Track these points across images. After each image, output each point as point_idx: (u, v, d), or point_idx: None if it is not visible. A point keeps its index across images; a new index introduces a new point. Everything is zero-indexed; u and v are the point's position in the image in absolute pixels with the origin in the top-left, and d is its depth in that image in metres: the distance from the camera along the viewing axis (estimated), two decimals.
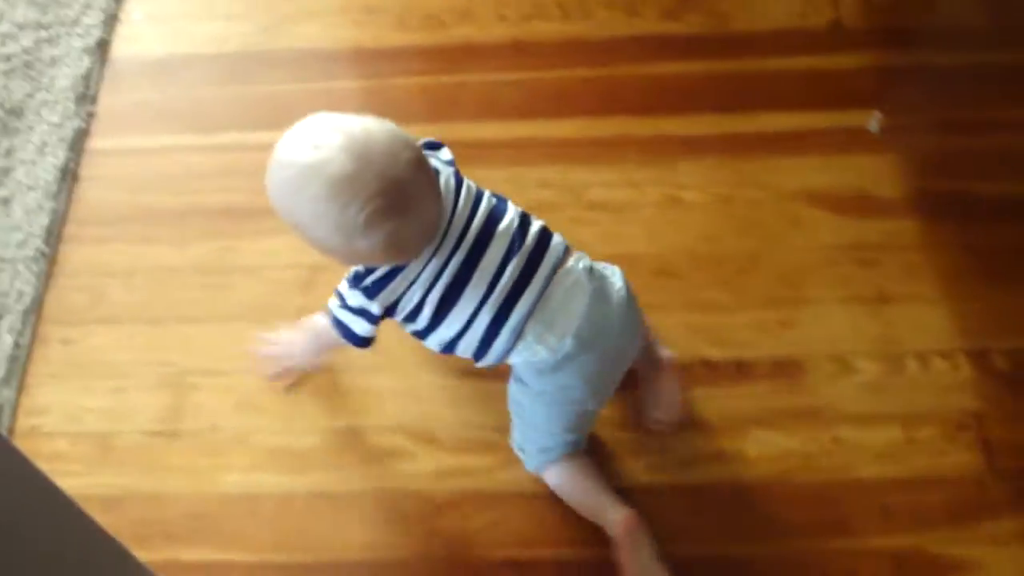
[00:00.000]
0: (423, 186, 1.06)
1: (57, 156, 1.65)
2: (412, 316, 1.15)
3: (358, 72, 1.72)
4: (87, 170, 1.66)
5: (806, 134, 1.58)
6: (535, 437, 1.26)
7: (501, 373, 1.28)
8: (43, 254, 1.57)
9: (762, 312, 1.44)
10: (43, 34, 1.81)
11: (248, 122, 1.67)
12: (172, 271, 1.54)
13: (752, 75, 1.67)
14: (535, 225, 1.18)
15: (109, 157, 1.67)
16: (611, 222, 1.52)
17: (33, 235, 1.58)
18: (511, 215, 1.16)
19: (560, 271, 1.16)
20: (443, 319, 1.15)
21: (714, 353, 1.41)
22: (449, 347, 1.19)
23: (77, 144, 1.68)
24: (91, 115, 1.71)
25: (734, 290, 1.46)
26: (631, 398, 1.37)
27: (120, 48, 1.81)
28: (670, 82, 1.67)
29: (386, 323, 1.18)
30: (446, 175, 1.14)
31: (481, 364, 1.21)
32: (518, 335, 1.16)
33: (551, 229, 1.20)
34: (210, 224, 1.57)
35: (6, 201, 1.62)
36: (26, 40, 1.80)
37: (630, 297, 1.21)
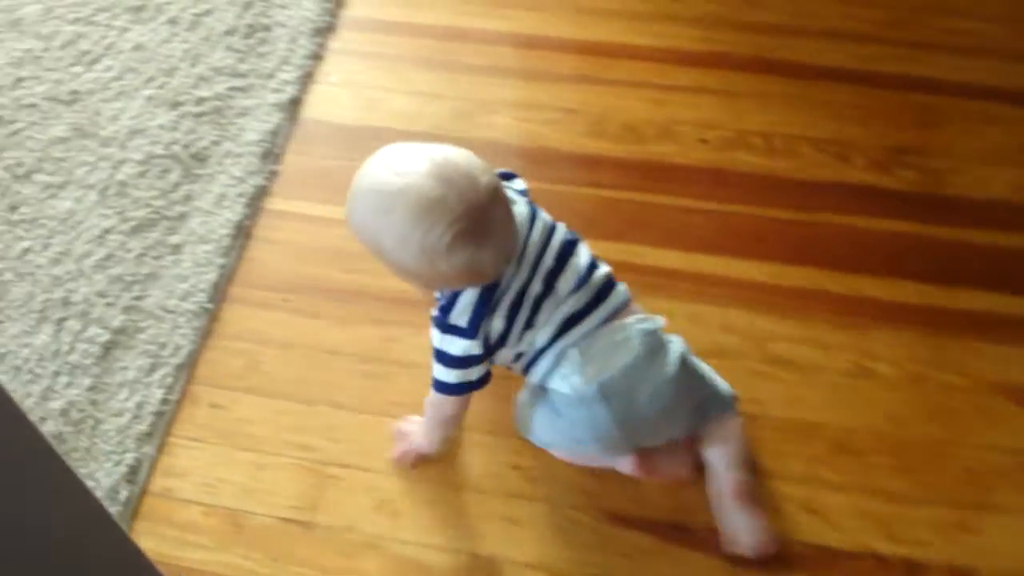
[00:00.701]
0: (501, 211, 1.13)
1: (234, 211, 1.65)
2: (503, 340, 1.23)
3: (543, 173, 1.70)
4: (261, 230, 1.65)
5: (1017, 322, 1.49)
6: (537, 434, 1.32)
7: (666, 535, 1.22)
8: (205, 310, 1.56)
9: (943, 511, 1.35)
10: (237, 82, 1.83)
11: None
12: (331, 352, 1.52)
13: (964, 246, 1.59)
14: (602, 269, 1.27)
15: (286, 220, 1.66)
16: (794, 382, 1.45)
17: (198, 289, 1.58)
18: (583, 253, 1.26)
19: (616, 322, 1.24)
20: (523, 338, 1.24)
21: (885, 548, 1.33)
22: (523, 364, 1.28)
23: (255, 202, 1.68)
24: (274, 174, 1.71)
25: (915, 481, 1.38)
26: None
27: (312, 108, 1.81)
28: (873, 239, 1.60)
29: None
30: (520, 204, 1.21)
31: (528, 377, 1.30)
32: (558, 361, 1.24)
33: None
34: (377, 309, 1.56)
35: (177, 248, 1.62)
36: (220, 86, 1.82)
37: (678, 377, 1.25)
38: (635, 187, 1.69)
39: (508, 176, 1.27)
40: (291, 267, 1.62)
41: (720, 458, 1.32)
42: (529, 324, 1.23)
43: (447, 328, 1.20)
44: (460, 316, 1.20)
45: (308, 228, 1.66)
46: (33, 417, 1.46)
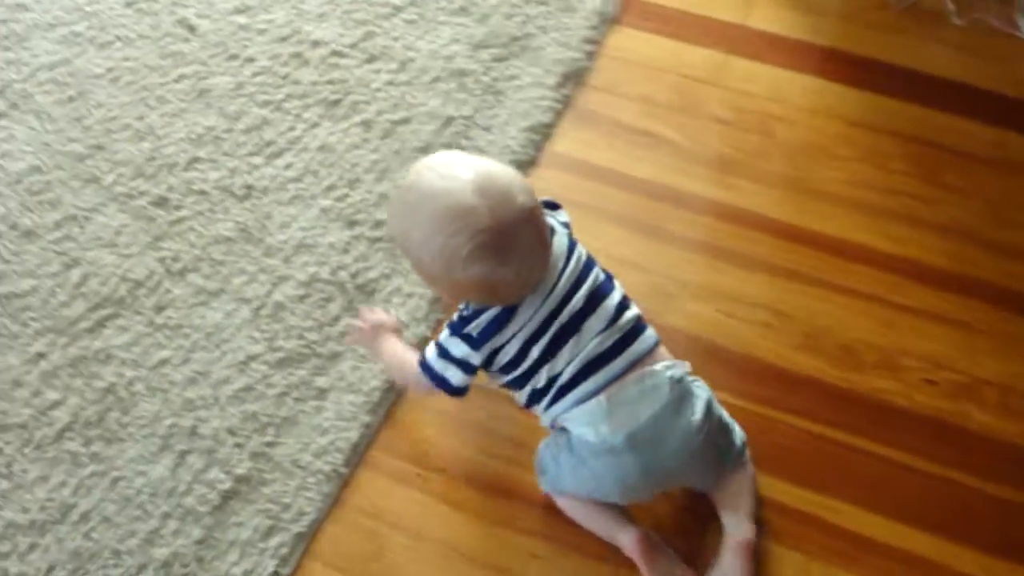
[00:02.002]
0: (531, 236, 1.18)
1: None
2: (512, 365, 1.28)
3: (741, 385, 1.56)
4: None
5: None
6: (557, 479, 1.35)
7: None
8: (338, 474, 1.44)
9: None
10: None
11: None
12: (467, 557, 1.39)
13: None
14: (632, 311, 1.31)
15: None
16: None
17: (336, 448, 1.47)
18: (616, 295, 1.31)
19: (646, 369, 1.28)
20: (538, 371, 1.27)
21: None
22: (534, 398, 1.31)
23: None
24: (439, 323, 1.57)
25: None
26: None
27: None
28: None
29: None
30: (560, 235, 1.28)
31: (543, 418, 1.34)
32: (580, 405, 1.27)
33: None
34: (528, 516, 1.43)
35: (322, 393, 1.51)
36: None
37: (704, 426, 1.29)
38: (844, 425, 1.51)
39: (552, 206, 1.33)
40: (437, 438, 1.51)
41: (731, 513, 1.36)
42: (546, 358, 1.27)
43: (459, 334, 1.28)
44: (473, 327, 1.27)
45: (458, 402, 1.51)
46: (132, 561, 1.36)
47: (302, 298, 1.62)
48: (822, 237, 1.72)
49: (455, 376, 1.30)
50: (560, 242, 1.28)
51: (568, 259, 1.28)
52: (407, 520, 1.43)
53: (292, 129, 1.85)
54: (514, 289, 1.22)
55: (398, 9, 2.03)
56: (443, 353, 1.30)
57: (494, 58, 1.93)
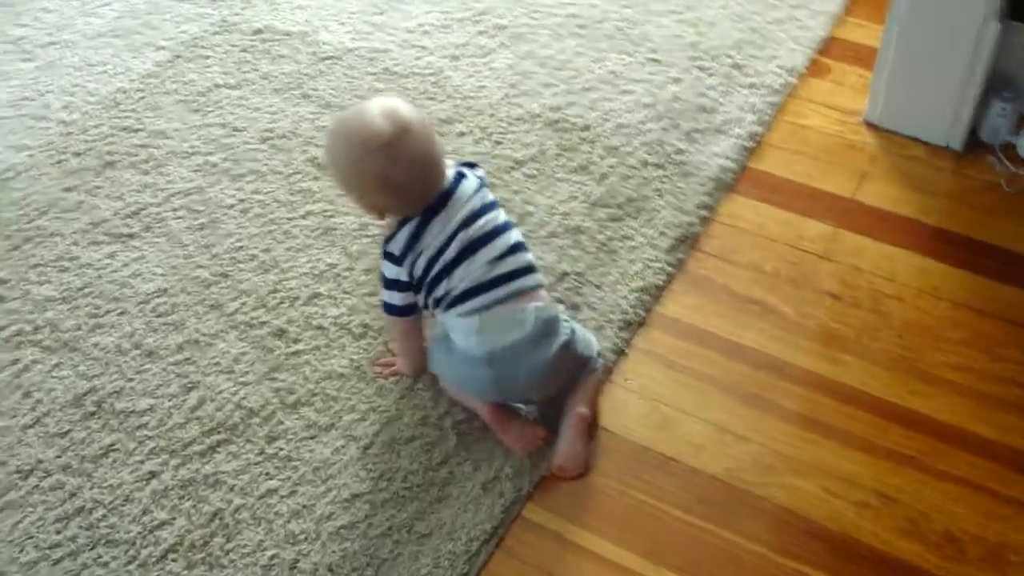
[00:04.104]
0: (421, 146, 1.50)
1: (490, 514, 1.56)
2: (421, 279, 1.58)
3: (838, 567, 1.54)
4: (513, 542, 1.56)
5: None
6: (439, 366, 1.68)
7: None
8: None
9: None
10: None
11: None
12: None
13: None
14: (525, 255, 1.61)
15: (540, 537, 1.58)
16: None
17: None
18: (513, 236, 1.60)
19: (521, 304, 1.57)
20: (438, 284, 1.57)
21: None
22: (433, 304, 1.60)
23: (514, 506, 1.56)
24: (539, 480, 1.59)
25: None
26: None
27: (601, 414, 1.68)
28: None
29: None
30: (471, 179, 1.60)
31: (436, 319, 1.65)
32: (463, 316, 1.57)
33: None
34: None
35: (422, 539, 1.56)
36: None
37: (554, 362, 1.59)
38: None
39: (471, 165, 1.65)
40: None
41: (572, 397, 1.66)
42: (444, 275, 1.55)
43: (385, 254, 1.58)
44: (395, 245, 1.56)
45: (560, 554, 1.53)
46: None
47: (408, 441, 1.66)
48: (927, 420, 1.72)
49: (394, 296, 1.60)
50: (470, 183, 1.58)
51: (472, 196, 1.57)
52: None
53: None
54: (414, 192, 1.53)
55: (519, 163, 2.11)
56: (383, 281, 1.61)
57: (610, 217, 1.99)
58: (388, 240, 1.58)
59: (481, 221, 1.57)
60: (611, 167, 2.10)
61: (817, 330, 1.84)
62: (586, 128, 2.20)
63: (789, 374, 1.78)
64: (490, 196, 1.62)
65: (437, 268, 1.56)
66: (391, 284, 1.60)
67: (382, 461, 1.63)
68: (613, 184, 2.06)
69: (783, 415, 1.72)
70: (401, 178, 1.50)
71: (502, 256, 1.58)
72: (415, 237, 1.55)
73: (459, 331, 1.59)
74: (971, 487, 1.63)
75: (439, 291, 1.57)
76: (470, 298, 1.56)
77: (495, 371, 1.57)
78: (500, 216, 1.61)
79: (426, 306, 1.63)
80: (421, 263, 1.57)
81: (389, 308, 1.63)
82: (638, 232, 1.97)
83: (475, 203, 1.58)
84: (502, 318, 1.57)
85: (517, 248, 1.60)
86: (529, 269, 1.61)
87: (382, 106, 1.50)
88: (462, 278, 1.56)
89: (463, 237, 1.56)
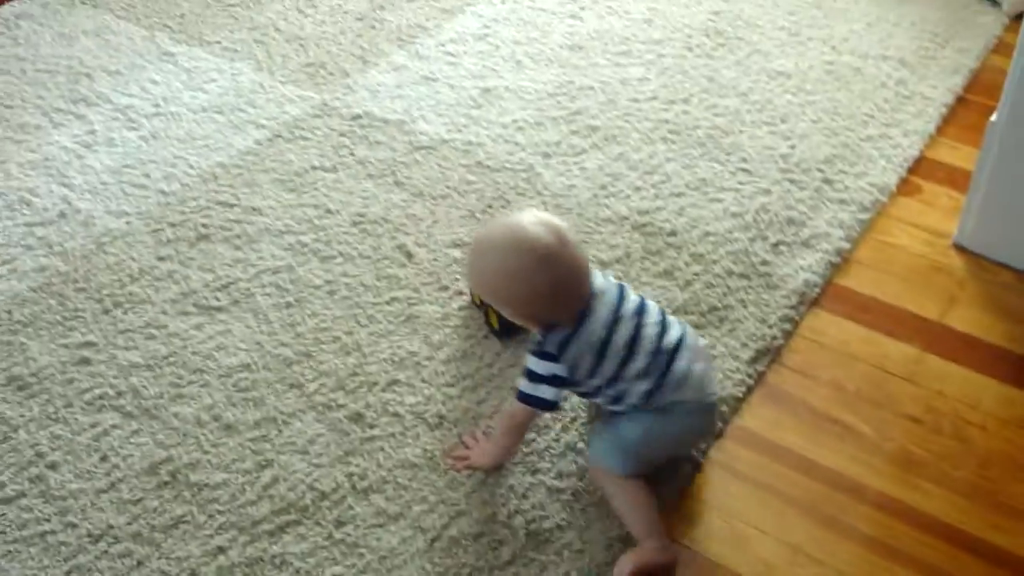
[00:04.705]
0: (576, 253, 1.58)
1: None
2: (590, 374, 1.60)
3: None
4: None
5: None
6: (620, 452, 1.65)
7: None
8: None
9: None
10: None
11: None
12: None
13: None
14: (676, 329, 1.67)
15: None
16: None
17: None
18: (655, 314, 1.66)
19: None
20: (613, 379, 1.61)
21: None
22: (616, 399, 1.64)
23: None
24: None
25: None
26: None
27: (680, 531, 1.66)
28: None
29: None
30: (605, 277, 1.66)
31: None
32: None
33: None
34: None
35: None
36: None
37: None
38: None
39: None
40: None
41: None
42: (622, 367, 1.61)
43: (540, 354, 1.58)
44: (551, 345, 1.57)
45: None
46: None
47: (476, 537, 1.65)
48: (1007, 555, 1.67)
49: (547, 392, 1.59)
50: (608, 281, 1.65)
51: (611, 291, 1.63)
52: None
53: (490, 366, 1.91)
54: (573, 297, 1.57)
55: (605, 265, 2.12)
56: (532, 376, 1.59)
57: (692, 324, 1.97)
58: (541, 344, 1.59)
59: (627, 307, 1.63)
60: (696, 274, 2.10)
61: (897, 454, 1.81)
62: (673, 234, 2.20)
63: (866, 497, 1.74)
64: (627, 288, 1.69)
65: (612, 362, 1.60)
66: (546, 379, 1.60)
67: (448, 556, 1.62)
68: (697, 291, 2.06)
69: (859, 539, 1.69)
70: (569, 284, 1.56)
71: (661, 333, 1.64)
72: (568, 339, 1.58)
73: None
74: None
75: (621, 386, 1.63)
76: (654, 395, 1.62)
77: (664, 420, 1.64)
78: (636, 298, 1.68)
79: (593, 395, 1.68)
80: (587, 358, 1.60)
81: (539, 402, 1.61)
82: (719, 341, 1.96)
83: (621, 300, 1.64)
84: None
85: (665, 322, 1.67)
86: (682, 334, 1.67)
87: (536, 217, 1.57)
88: (636, 368, 1.61)
89: (629, 326, 1.61)
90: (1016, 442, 1.84)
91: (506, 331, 1.93)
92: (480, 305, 1.98)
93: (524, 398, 1.61)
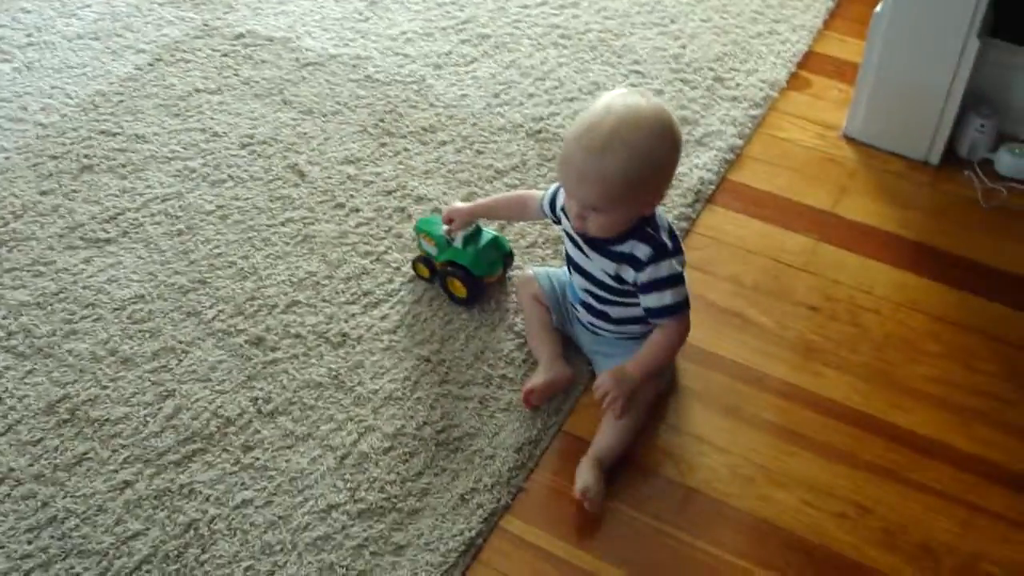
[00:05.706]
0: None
1: (469, 523, 1.56)
2: None
3: None
4: (491, 554, 1.55)
5: None
6: None
7: None
8: None
9: None
10: (510, 371, 1.72)
11: None
12: None
13: None
14: None
15: (518, 548, 1.57)
16: None
17: None
18: None
19: None
20: None
21: None
22: None
23: (493, 517, 1.56)
24: (519, 491, 1.59)
25: None
26: None
27: (578, 426, 1.67)
28: None
29: None
30: None
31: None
32: None
33: None
34: None
35: (399, 550, 1.55)
36: (496, 370, 1.71)
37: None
38: None
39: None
40: None
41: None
42: None
43: (672, 251, 1.58)
44: (666, 234, 1.58)
45: (538, 565, 1.52)
46: None
47: (387, 450, 1.65)
48: (904, 432, 1.72)
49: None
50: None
51: None
52: None
53: (391, 281, 1.90)
54: None
55: (501, 173, 2.11)
56: (679, 279, 1.58)
57: None
58: (666, 230, 1.59)
59: None
60: None
61: (796, 342, 1.84)
62: None
63: (768, 386, 1.78)
64: None
65: None
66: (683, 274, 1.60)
67: (359, 471, 1.62)
68: None
69: (762, 426, 1.72)
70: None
71: None
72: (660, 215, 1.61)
73: None
74: (948, 499, 1.63)
75: None
76: None
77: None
78: None
79: None
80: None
81: (689, 304, 1.63)
82: None
83: None
84: None
85: None
86: None
87: (642, 93, 1.54)
88: None
89: None
90: (910, 324, 1.89)
91: (473, 297, 1.85)
92: (430, 277, 1.90)
93: (686, 305, 1.61)
